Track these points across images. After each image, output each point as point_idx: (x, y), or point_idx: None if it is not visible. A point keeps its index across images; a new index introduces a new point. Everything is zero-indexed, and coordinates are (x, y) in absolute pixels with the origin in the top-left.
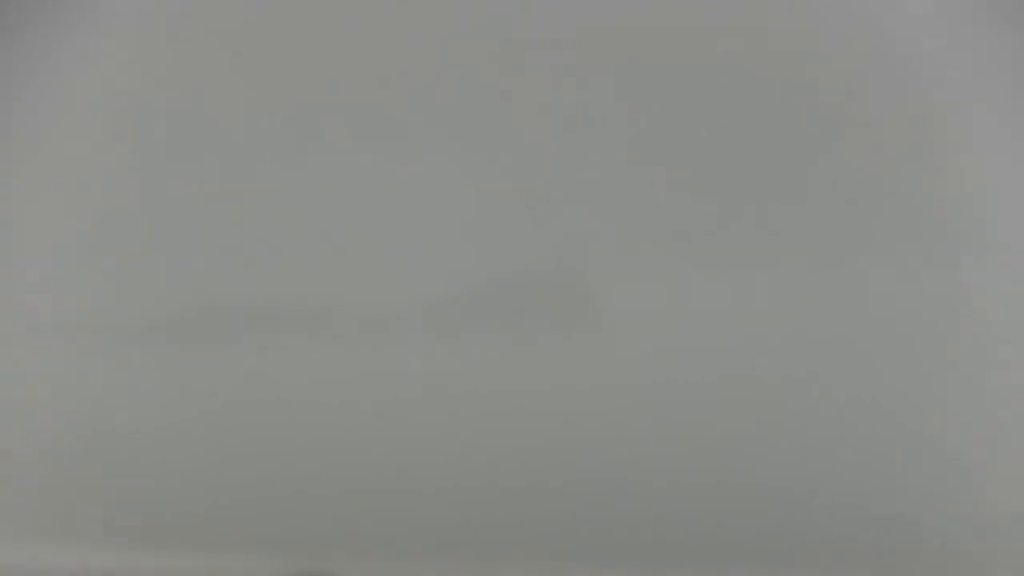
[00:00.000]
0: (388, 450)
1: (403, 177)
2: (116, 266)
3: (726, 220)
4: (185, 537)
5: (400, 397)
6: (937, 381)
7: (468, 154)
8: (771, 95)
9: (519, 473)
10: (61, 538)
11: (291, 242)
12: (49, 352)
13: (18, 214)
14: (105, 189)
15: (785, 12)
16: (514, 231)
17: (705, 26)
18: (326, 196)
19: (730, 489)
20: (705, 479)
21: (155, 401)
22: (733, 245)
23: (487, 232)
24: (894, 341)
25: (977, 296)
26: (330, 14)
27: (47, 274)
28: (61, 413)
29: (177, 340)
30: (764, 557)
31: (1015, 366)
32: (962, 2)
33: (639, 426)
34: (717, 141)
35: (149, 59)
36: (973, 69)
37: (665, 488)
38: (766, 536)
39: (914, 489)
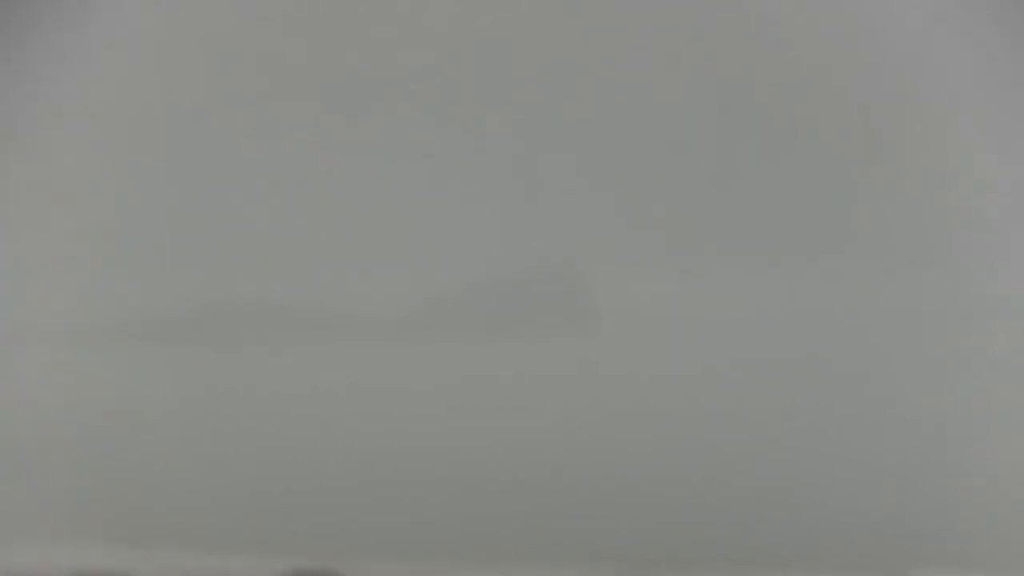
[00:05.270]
0: (388, 450)
1: (403, 178)
2: (117, 268)
3: (725, 220)
4: (186, 537)
5: (400, 397)
6: (935, 381)
7: (468, 156)
8: (773, 99)
9: (520, 472)
10: (62, 538)
11: (291, 244)
12: (50, 354)
13: (20, 217)
14: (106, 192)
15: (783, 14)
16: (514, 231)
17: (703, 28)
18: (326, 198)
19: (728, 489)
20: (703, 478)
21: (155, 402)
22: (733, 246)
23: (486, 233)
24: (894, 340)
25: (975, 295)
26: (329, 18)
27: (48, 277)
28: (62, 414)
29: (177, 341)
30: (761, 557)
31: (1013, 364)
32: (962, 5)
33: (637, 425)
34: (716, 142)
35: (150, 64)
36: (974, 71)
37: (663, 487)
38: (766, 535)
39: (912, 489)
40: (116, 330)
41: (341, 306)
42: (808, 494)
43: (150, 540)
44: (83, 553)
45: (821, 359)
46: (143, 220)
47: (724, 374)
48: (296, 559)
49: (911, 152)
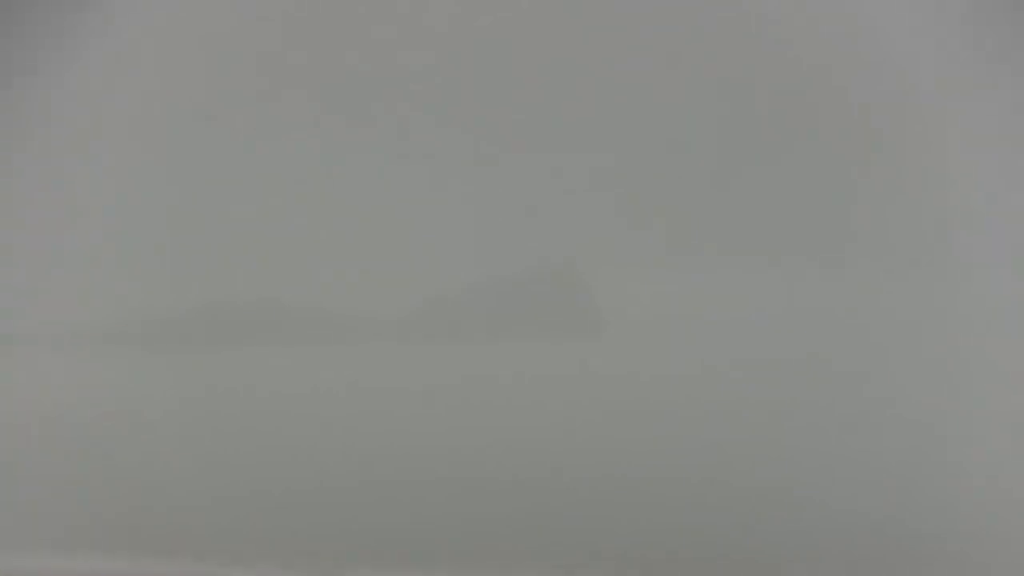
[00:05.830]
0: (388, 450)
1: (403, 178)
2: (115, 270)
3: (724, 220)
4: (186, 540)
5: (400, 398)
6: (936, 381)
7: (467, 155)
8: (773, 99)
9: (520, 472)
10: (61, 545)
11: (291, 244)
12: (48, 355)
13: (20, 217)
14: (105, 192)
15: (783, 13)
16: (514, 231)
17: (702, 27)
18: (326, 198)
19: (728, 489)
20: (703, 478)
21: (154, 403)
22: (732, 245)
23: (486, 233)
24: (893, 340)
25: (975, 295)
26: (328, 16)
27: (48, 278)
28: (60, 416)
29: (177, 342)
30: (762, 558)
31: (1014, 364)
32: (962, 5)
33: (637, 425)
34: (716, 142)
35: (151, 63)
36: (972, 68)
37: (663, 487)
38: (764, 537)
39: (912, 490)
40: (114, 331)
41: (341, 306)
42: (808, 494)
43: (150, 543)
44: (82, 561)
45: (821, 359)
46: (143, 220)
47: (724, 374)
48: (297, 561)
49: (911, 152)
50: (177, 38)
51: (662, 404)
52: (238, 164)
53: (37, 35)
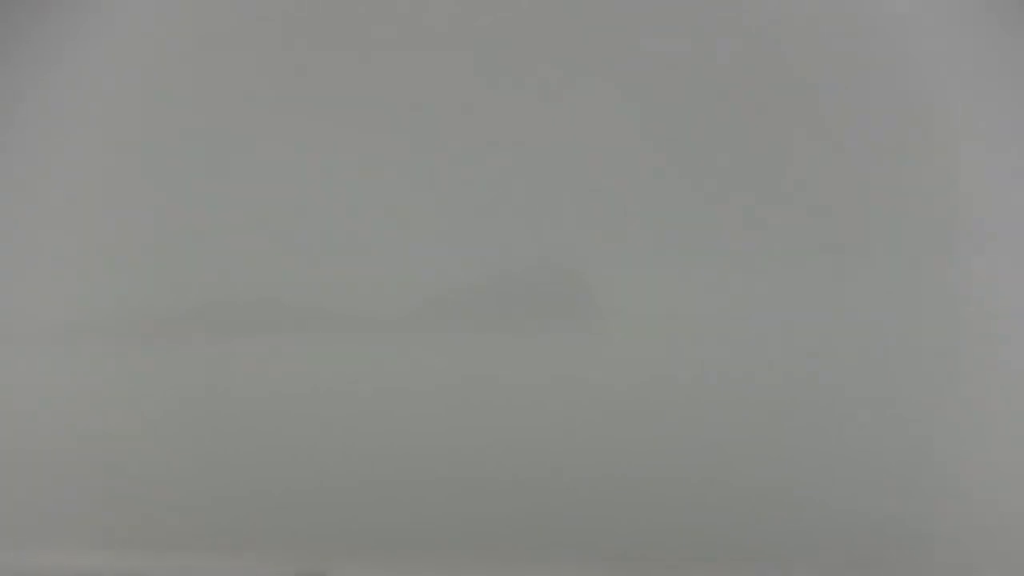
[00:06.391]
0: (386, 449)
1: (402, 176)
2: (114, 266)
3: (725, 219)
4: (183, 538)
5: (398, 396)
6: (936, 381)
7: (467, 153)
8: (769, 95)
9: (517, 472)
10: (58, 540)
11: (289, 241)
12: (46, 352)
13: (17, 214)
14: (104, 189)
15: (783, 11)
16: (512, 230)
17: (702, 26)
18: (325, 195)
19: (728, 489)
20: (703, 478)
21: (151, 402)
22: (732, 244)
23: (485, 231)
24: (893, 340)
25: (976, 295)
26: (326, 14)
27: (45, 274)
28: (57, 413)
29: (174, 340)
30: (762, 557)
31: (1014, 365)
32: (964, 5)
33: (637, 425)
34: (716, 140)
35: (149, 59)
36: (972, 67)
37: (663, 487)
38: (764, 536)
39: (912, 490)
40: (115, 330)
41: (341, 305)
42: (808, 494)
43: (147, 541)
44: (80, 554)
45: (821, 359)
46: (142, 218)
47: (724, 374)
48: (294, 560)
49: (911, 152)
50: (177, 36)
51: (662, 404)
52: (237, 163)
53: (34, 33)
